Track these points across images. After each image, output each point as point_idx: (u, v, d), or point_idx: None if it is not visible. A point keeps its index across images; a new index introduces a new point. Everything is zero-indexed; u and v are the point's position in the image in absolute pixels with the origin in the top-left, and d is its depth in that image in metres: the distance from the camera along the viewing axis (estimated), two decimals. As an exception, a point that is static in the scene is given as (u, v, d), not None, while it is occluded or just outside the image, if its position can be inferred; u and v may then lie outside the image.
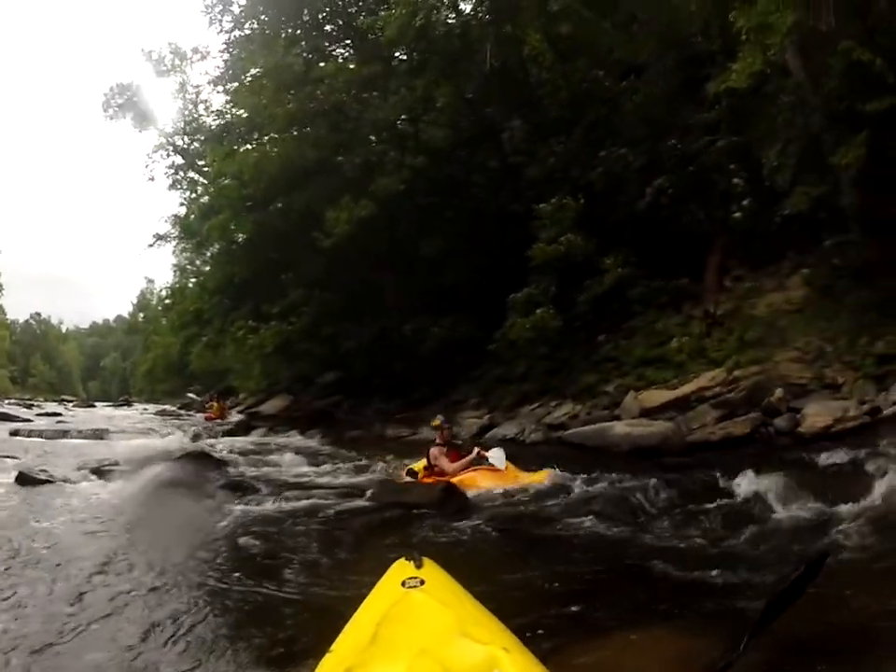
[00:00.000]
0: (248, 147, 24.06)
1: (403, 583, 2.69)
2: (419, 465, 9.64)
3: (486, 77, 18.65)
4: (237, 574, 5.46)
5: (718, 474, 8.16)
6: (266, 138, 23.42)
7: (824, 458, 8.78)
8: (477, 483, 8.63)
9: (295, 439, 17.50)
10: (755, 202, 15.20)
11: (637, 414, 12.93)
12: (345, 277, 20.58)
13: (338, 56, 24.10)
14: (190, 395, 42.04)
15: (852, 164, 10.84)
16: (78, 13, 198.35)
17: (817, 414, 10.59)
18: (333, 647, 2.43)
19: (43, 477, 9.82)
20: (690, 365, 13.56)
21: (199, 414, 30.53)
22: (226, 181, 23.96)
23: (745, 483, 7.42)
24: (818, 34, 10.81)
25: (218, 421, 24.65)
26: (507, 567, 5.59)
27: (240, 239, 24.30)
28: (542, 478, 8.66)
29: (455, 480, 8.61)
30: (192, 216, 30.85)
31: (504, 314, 16.55)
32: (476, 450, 9.29)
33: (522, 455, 11.74)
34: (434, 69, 19.22)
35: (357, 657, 2.22)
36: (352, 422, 19.68)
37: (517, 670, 1.89)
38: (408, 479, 9.24)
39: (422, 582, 2.67)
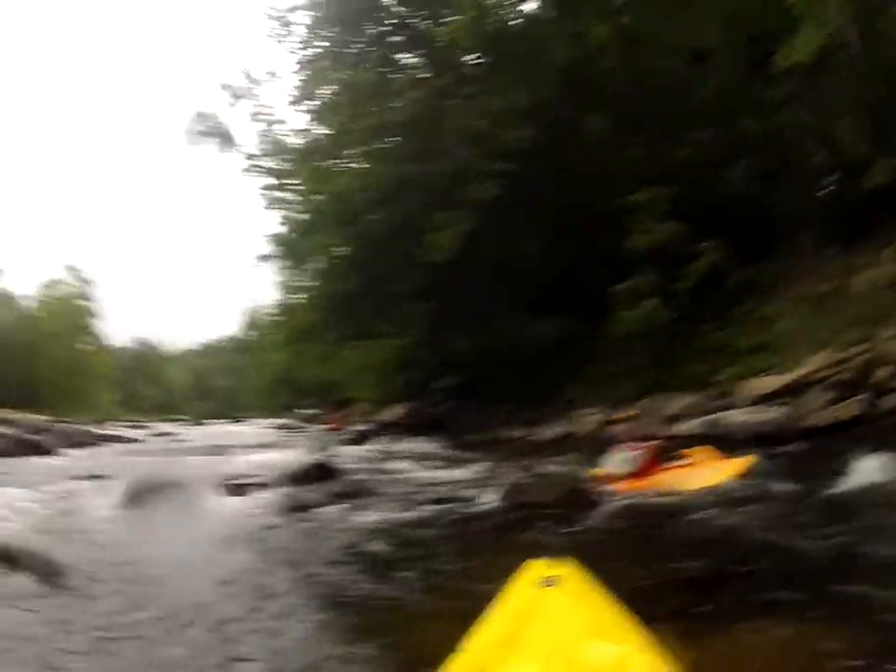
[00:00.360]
0: (336, 163, 24.48)
1: (539, 582, 2.66)
2: None
3: (558, 74, 18.87)
4: (368, 579, 5.52)
5: (834, 459, 7.91)
6: (353, 152, 23.82)
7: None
8: (671, 481, 8.24)
9: (415, 445, 17.53)
10: (840, 177, 14.99)
11: (750, 403, 12.90)
12: (449, 285, 20.77)
13: (408, 66, 24.41)
14: (303, 410, 42.58)
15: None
16: (148, 40, 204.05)
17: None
18: (466, 645, 2.44)
19: (160, 495, 9.16)
20: (794, 350, 13.39)
21: (317, 426, 30.18)
22: (319, 198, 24.41)
23: (863, 468, 7.23)
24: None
25: (337, 432, 24.54)
26: (633, 561, 5.57)
27: (340, 253, 24.24)
28: (742, 467, 8.11)
29: (647, 482, 8.44)
30: (292, 234, 31.44)
31: (607, 308, 16.72)
32: (652, 443, 9.05)
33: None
34: (507, 71, 19.46)
35: (489, 656, 2.23)
36: (469, 426, 19.77)
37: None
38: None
39: (557, 581, 2.64)
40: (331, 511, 8.42)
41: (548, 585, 2.62)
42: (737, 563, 5.33)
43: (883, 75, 11.74)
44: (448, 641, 2.48)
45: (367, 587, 5.38)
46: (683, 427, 13.55)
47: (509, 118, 19.74)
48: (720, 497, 7.38)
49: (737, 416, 12.42)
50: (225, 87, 40.01)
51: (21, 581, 5.33)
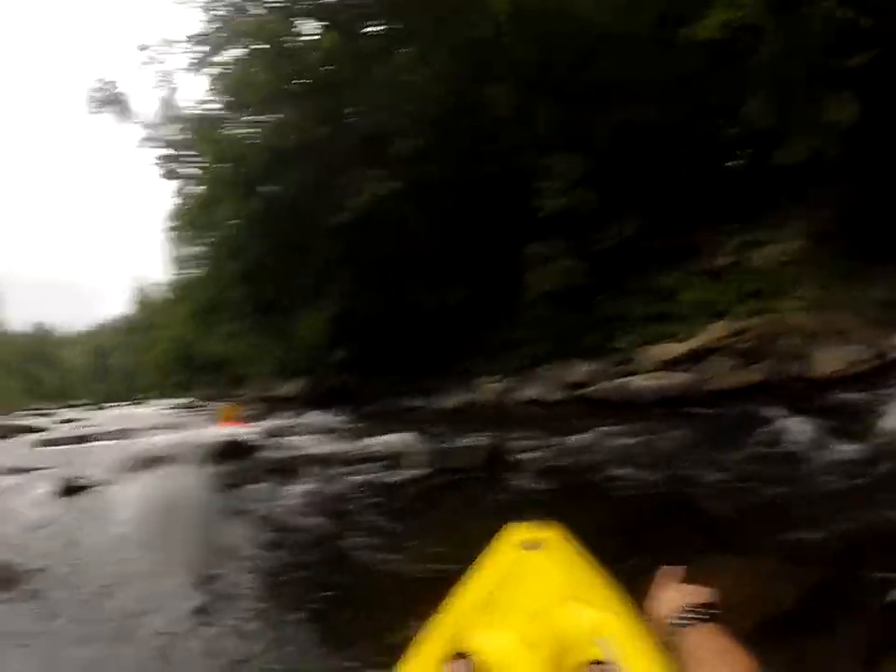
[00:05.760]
0: (236, 131, 23.85)
1: (521, 545, 2.60)
2: None
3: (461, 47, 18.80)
4: (316, 551, 5.62)
5: (741, 420, 8.74)
6: (253, 119, 23.30)
7: (839, 401, 9.12)
8: None
9: (317, 418, 17.23)
10: (749, 153, 15.40)
11: (652, 368, 13.35)
12: (354, 253, 20.65)
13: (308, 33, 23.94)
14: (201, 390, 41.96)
15: (844, 120, 11.18)
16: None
17: (829, 359, 10.84)
18: (443, 610, 2.35)
19: (83, 483, 9.30)
20: (695, 318, 13.88)
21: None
22: (219, 167, 23.71)
23: (770, 426, 7.98)
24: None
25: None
26: (562, 515, 5.84)
27: (244, 224, 23.51)
28: None
29: None
30: (190, 207, 30.59)
31: (510, 276, 16.86)
32: None
33: (551, 416, 12.25)
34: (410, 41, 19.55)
35: (467, 620, 2.12)
36: (367, 398, 19.80)
37: (623, 636, 1.82)
38: None
39: (541, 545, 2.57)
40: (259, 487, 8.39)
41: (530, 549, 2.55)
42: (679, 507, 5.83)
43: (799, 61, 12.05)
44: (424, 604, 2.42)
45: (316, 557, 5.48)
46: (589, 391, 13.96)
47: (414, 88, 19.56)
48: (627, 455, 7.90)
49: (642, 381, 12.85)
50: (127, 49, 38.89)
51: None
